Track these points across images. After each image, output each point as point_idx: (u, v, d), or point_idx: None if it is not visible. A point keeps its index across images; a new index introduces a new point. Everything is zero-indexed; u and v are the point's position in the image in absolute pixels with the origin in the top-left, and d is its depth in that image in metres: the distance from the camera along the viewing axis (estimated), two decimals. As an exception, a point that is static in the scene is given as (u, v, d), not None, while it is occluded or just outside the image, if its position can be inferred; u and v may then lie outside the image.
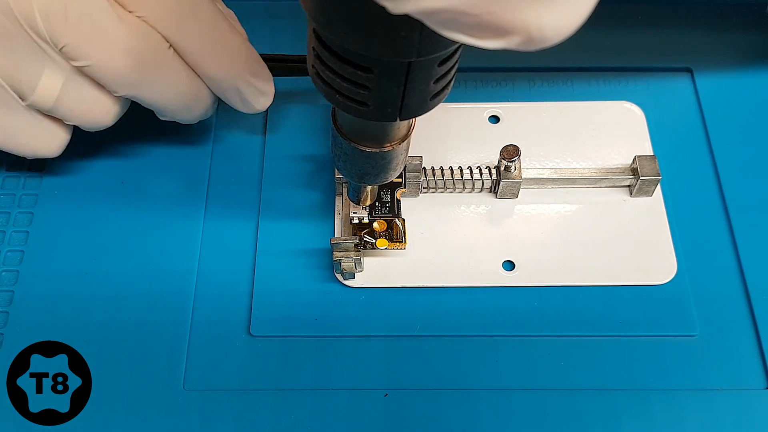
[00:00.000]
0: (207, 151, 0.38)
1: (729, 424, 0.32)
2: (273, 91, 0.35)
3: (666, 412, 0.32)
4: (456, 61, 0.24)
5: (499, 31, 0.17)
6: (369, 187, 0.33)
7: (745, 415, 0.32)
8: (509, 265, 0.35)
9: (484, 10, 0.16)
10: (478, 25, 0.17)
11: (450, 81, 0.25)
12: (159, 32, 0.31)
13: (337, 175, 0.35)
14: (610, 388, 0.32)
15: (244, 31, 0.35)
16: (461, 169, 0.36)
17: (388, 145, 0.28)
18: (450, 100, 0.34)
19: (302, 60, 0.37)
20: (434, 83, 0.24)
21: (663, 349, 0.33)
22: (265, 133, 0.39)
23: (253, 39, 0.42)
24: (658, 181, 0.36)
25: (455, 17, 0.17)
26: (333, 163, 0.31)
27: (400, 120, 0.25)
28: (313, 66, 0.25)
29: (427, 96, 0.25)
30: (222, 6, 0.34)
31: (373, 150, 0.28)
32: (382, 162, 0.29)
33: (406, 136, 0.29)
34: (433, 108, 0.25)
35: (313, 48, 0.24)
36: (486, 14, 0.16)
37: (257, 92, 0.34)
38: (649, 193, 0.37)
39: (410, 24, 0.17)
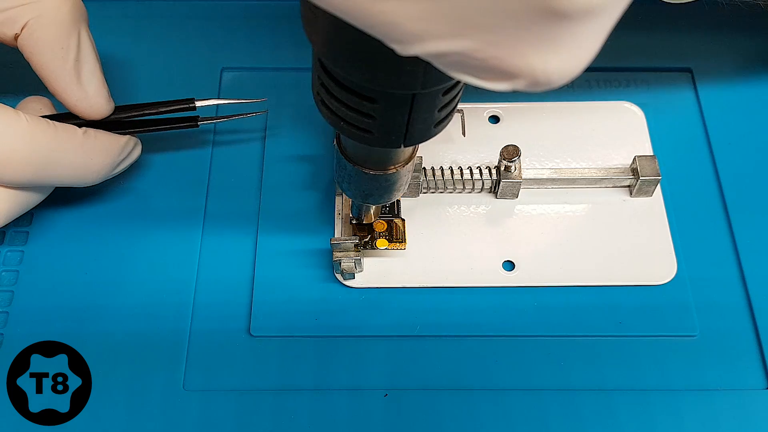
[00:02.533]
0: (207, 151, 0.38)
1: (729, 424, 0.32)
2: (139, 149, 0.36)
3: (666, 412, 0.32)
4: (460, 90, 0.24)
5: (506, 74, 0.17)
6: (372, 207, 0.33)
7: (745, 415, 0.32)
8: (509, 265, 0.35)
9: (490, 54, 0.17)
10: (484, 68, 0.17)
11: (454, 108, 0.25)
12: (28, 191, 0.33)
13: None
14: (609, 388, 0.32)
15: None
16: (461, 169, 0.36)
17: (393, 167, 0.29)
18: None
19: (151, 106, 0.36)
20: (438, 111, 0.24)
21: (663, 349, 0.33)
22: (264, 134, 0.39)
23: (253, 41, 0.42)
24: (658, 181, 0.36)
25: (462, 60, 0.17)
26: (335, 181, 0.31)
27: (404, 147, 0.25)
28: (317, 93, 0.25)
29: (431, 124, 0.25)
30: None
31: (377, 172, 0.28)
32: (386, 184, 0.29)
33: (410, 158, 0.29)
34: (437, 134, 0.26)
35: (318, 76, 0.24)
36: (492, 59, 0.17)
37: (131, 161, 0.35)
38: (649, 193, 0.37)
39: (415, 60, 0.18)
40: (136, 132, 0.35)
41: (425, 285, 0.35)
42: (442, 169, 0.36)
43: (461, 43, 0.17)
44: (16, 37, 0.32)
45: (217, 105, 0.37)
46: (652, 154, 0.38)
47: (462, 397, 0.32)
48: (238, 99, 0.37)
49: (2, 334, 0.33)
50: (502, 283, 0.35)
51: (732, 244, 0.36)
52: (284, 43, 0.42)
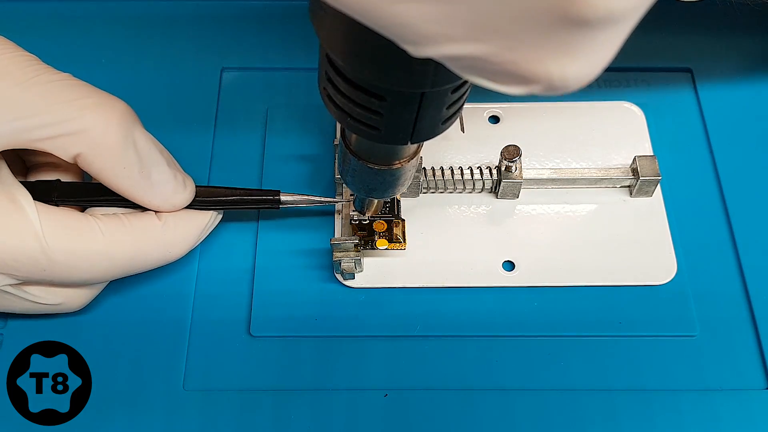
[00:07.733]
0: (207, 150, 0.38)
1: (729, 424, 0.32)
2: (219, 218, 0.34)
3: (666, 412, 0.32)
4: (468, 88, 0.24)
5: (522, 79, 0.17)
6: (376, 200, 0.33)
7: (745, 415, 0.32)
8: (509, 265, 0.35)
9: (507, 59, 0.16)
10: (500, 72, 0.17)
11: (462, 105, 0.25)
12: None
13: (337, 175, 0.35)
14: (610, 388, 0.32)
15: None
16: (461, 170, 0.36)
17: (397, 162, 0.28)
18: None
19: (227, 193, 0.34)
20: (446, 109, 0.24)
21: (663, 349, 0.33)
22: (265, 133, 0.39)
23: (253, 41, 0.42)
24: (658, 181, 0.36)
25: (477, 64, 0.17)
26: (337, 169, 0.31)
27: (411, 144, 0.25)
28: (324, 89, 0.25)
29: (439, 121, 0.25)
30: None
31: (382, 167, 0.28)
32: (391, 179, 0.29)
33: (416, 153, 0.29)
34: (444, 131, 0.25)
35: (325, 71, 0.24)
36: (509, 63, 0.16)
37: (210, 230, 0.34)
38: (649, 193, 0.37)
39: (427, 59, 0.17)
40: (217, 209, 0.34)
41: (425, 285, 0.35)
42: (442, 169, 0.36)
43: (478, 47, 0.16)
44: (74, 160, 0.30)
45: (298, 200, 0.34)
46: (652, 154, 0.38)
47: (462, 397, 0.32)
48: (320, 197, 0.35)
49: (2, 334, 0.33)
50: (502, 283, 0.35)
51: (732, 244, 0.36)
52: (285, 43, 0.42)
